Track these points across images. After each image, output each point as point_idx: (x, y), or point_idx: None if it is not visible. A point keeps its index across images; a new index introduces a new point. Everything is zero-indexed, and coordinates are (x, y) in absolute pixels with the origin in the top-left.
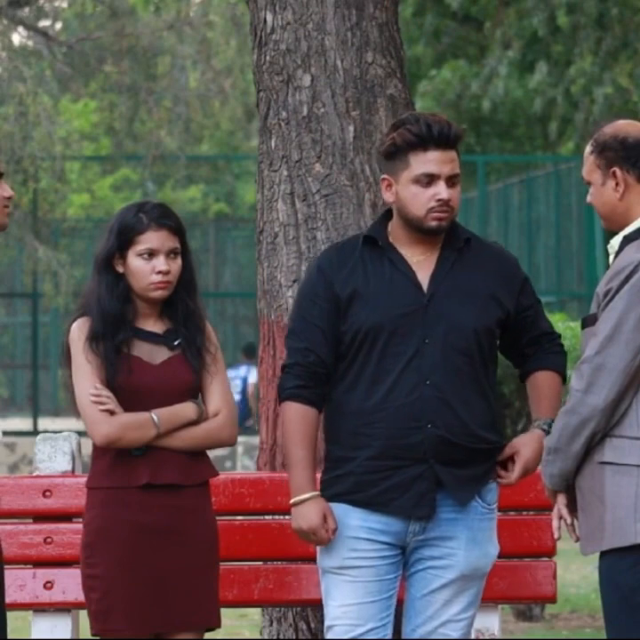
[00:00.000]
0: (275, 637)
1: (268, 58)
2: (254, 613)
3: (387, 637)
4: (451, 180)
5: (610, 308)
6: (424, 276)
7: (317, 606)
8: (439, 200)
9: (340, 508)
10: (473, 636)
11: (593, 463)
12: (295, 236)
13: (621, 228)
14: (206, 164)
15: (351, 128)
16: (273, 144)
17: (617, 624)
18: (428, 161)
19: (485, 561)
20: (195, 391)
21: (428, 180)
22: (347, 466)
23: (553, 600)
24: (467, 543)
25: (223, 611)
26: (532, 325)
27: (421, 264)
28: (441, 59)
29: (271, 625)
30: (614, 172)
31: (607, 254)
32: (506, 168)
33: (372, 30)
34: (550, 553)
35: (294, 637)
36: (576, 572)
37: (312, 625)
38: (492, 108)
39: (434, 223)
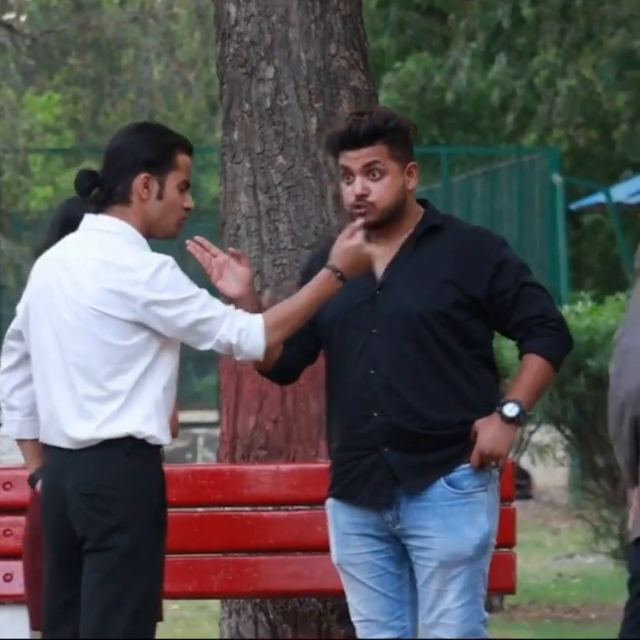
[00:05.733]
0: (234, 629)
1: (231, 50)
2: (214, 605)
3: (405, 629)
4: (371, 173)
5: (635, 289)
6: (382, 266)
7: (276, 598)
8: (355, 195)
9: (330, 506)
10: None
11: None
12: (257, 227)
13: None
14: None
15: (314, 120)
16: (236, 136)
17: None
18: (344, 158)
19: (465, 545)
20: None
21: (348, 175)
22: (331, 460)
23: (512, 591)
24: (440, 530)
25: (182, 602)
26: (514, 309)
27: (383, 255)
28: (405, 51)
29: (230, 616)
30: None
31: (570, 245)
32: (469, 160)
33: (335, 22)
34: (510, 544)
35: (253, 629)
36: (536, 563)
37: (271, 616)
38: (455, 100)
39: (359, 220)
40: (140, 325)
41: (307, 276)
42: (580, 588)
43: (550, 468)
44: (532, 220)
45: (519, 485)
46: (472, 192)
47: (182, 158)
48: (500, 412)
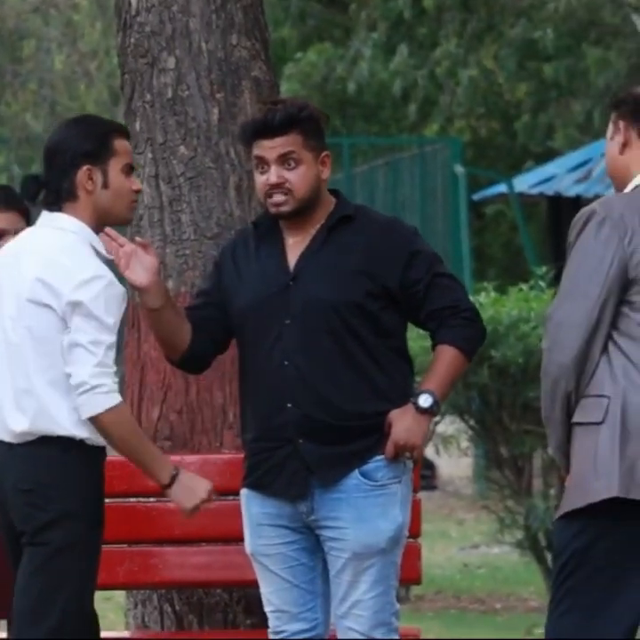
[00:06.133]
0: (140, 620)
1: (132, 40)
2: (119, 596)
3: (317, 621)
4: (285, 163)
5: (567, 262)
6: (294, 257)
7: (182, 589)
8: (269, 184)
9: (244, 496)
10: None
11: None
12: (160, 218)
13: (622, 190)
14: None
15: (216, 110)
16: (138, 126)
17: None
18: (258, 147)
19: (377, 537)
20: None
21: (263, 165)
22: (245, 450)
23: (418, 582)
24: (353, 522)
25: (97, 593)
26: (426, 300)
27: (296, 246)
28: (306, 41)
29: (136, 607)
30: (619, 125)
31: (472, 235)
32: (371, 150)
33: (236, 12)
34: (415, 534)
35: (159, 620)
36: (441, 554)
37: (177, 607)
38: (357, 91)
39: (273, 209)
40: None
41: (218, 268)
42: (485, 579)
43: (455, 459)
44: (435, 210)
45: (424, 476)
46: (374, 182)
47: (119, 143)
48: (415, 403)
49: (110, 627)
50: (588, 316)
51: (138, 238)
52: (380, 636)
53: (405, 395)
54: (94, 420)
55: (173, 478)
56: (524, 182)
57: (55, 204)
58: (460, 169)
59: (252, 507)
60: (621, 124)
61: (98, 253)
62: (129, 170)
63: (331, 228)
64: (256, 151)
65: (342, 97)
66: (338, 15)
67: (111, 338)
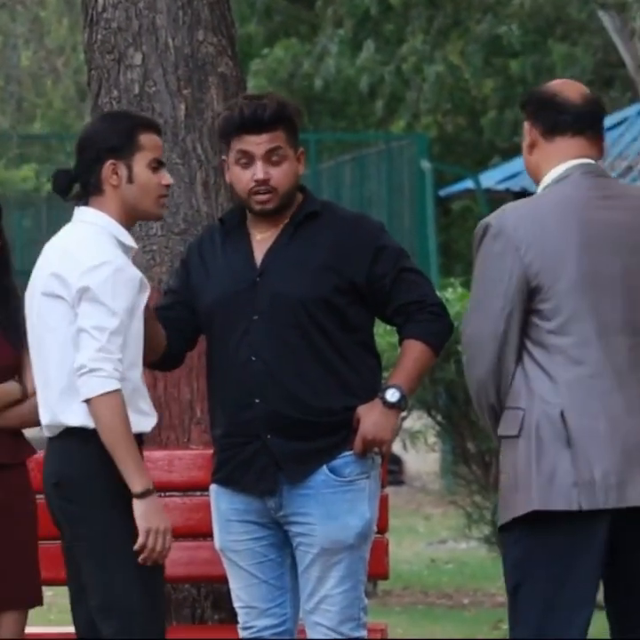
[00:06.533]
0: None
1: (99, 36)
2: None
3: (286, 617)
4: (270, 159)
5: (474, 276)
6: (261, 253)
7: None
8: (256, 180)
9: (213, 491)
10: None
11: None
12: None
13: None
14: (39, 143)
15: (183, 106)
16: None
17: (512, 602)
18: (242, 142)
19: (346, 533)
20: (15, 370)
21: (246, 160)
22: (214, 446)
23: (385, 577)
24: (322, 518)
25: (57, 589)
26: (392, 294)
27: (263, 242)
28: (273, 37)
29: None
30: (525, 126)
31: (439, 231)
32: (338, 146)
33: (203, 9)
34: (383, 530)
35: None
36: (408, 549)
37: None
38: (324, 87)
39: (257, 207)
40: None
41: (185, 265)
42: (452, 574)
43: (422, 454)
44: (401, 206)
45: (391, 471)
46: (341, 178)
47: (146, 137)
48: (382, 398)
49: None
50: (495, 330)
51: None
52: (348, 631)
53: (373, 390)
54: (89, 405)
55: (147, 492)
56: (491, 178)
57: (83, 198)
58: (426, 165)
59: (221, 502)
60: (526, 125)
61: (122, 245)
62: (157, 165)
63: (298, 224)
64: (240, 145)
65: (309, 93)
66: (304, 11)
67: (118, 324)
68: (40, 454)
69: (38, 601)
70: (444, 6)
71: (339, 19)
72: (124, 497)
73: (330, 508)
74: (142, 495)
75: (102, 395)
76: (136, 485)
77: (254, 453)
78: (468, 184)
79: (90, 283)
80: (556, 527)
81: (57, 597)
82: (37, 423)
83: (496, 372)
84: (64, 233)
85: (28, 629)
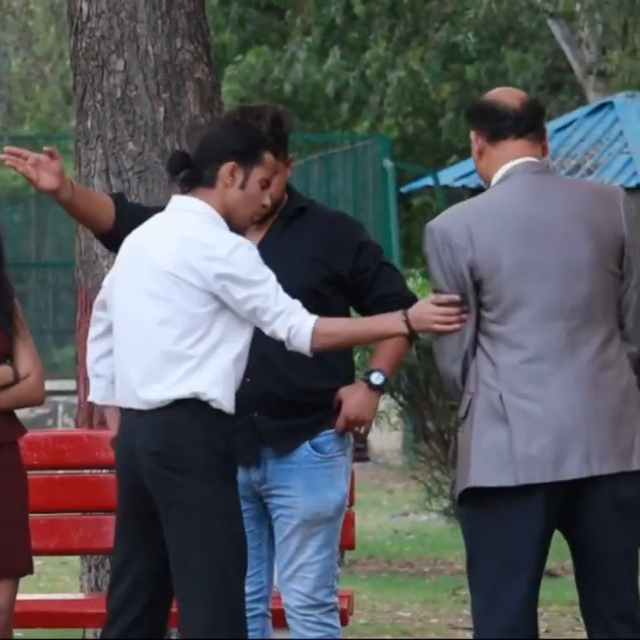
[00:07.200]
0: (93, 582)
1: (84, 44)
2: (74, 560)
3: (262, 585)
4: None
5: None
6: (254, 244)
7: None
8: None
9: None
10: None
11: None
12: None
13: None
14: (28, 143)
15: (162, 109)
16: (89, 124)
17: (468, 571)
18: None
19: (326, 506)
20: (5, 356)
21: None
22: None
23: (352, 547)
24: (304, 491)
25: (45, 558)
26: (372, 287)
27: (256, 234)
28: (245, 45)
29: (90, 571)
30: (472, 134)
31: (400, 225)
32: (306, 146)
33: (180, 18)
34: (349, 502)
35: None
36: (373, 520)
37: None
38: (293, 91)
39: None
40: (213, 295)
41: None
42: (414, 544)
43: (385, 433)
44: (366, 202)
45: (357, 448)
46: (309, 176)
47: (268, 157)
48: (367, 381)
49: (66, 589)
50: None
51: (45, 147)
52: (322, 598)
53: (350, 372)
54: (320, 348)
55: (407, 323)
56: (449, 175)
57: (190, 184)
58: (389, 163)
59: None
60: (473, 134)
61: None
62: (266, 184)
63: (289, 217)
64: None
65: (279, 97)
66: (275, 21)
67: (270, 283)
68: (31, 433)
69: (29, 570)
70: (405, 16)
71: (307, 28)
72: (223, 470)
73: (312, 481)
74: (409, 326)
75: (313, 339)
76: (400, 329)
77: (238, 428)
78: (428, 181)
79: (230, 266)
80: (497, 501)
81: (45, 566)
82: (28, 405)
83: (455, 361)
84: (176, 221)
85: (19, 597)
